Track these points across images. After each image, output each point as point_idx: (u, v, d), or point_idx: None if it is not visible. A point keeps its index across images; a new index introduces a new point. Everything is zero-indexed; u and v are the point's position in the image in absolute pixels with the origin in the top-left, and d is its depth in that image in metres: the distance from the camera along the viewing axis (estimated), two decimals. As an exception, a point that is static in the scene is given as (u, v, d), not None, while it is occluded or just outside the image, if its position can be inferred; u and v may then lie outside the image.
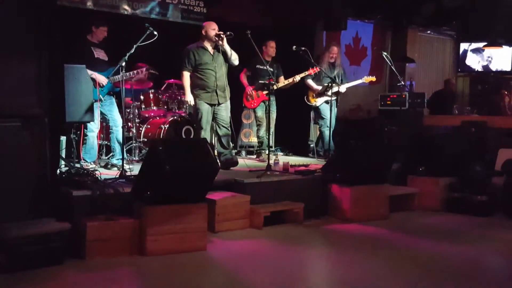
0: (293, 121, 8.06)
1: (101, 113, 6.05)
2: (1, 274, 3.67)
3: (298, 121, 8.21)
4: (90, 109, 5.35)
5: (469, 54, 11.37)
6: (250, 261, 4.29)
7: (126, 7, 7.31)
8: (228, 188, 5.33)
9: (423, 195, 6.38)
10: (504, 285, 3.91)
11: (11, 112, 4.21)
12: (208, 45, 6.18)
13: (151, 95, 7.11)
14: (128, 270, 4.02)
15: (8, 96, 4.22)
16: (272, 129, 7.34)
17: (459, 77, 11.99)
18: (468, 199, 6.15)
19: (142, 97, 7.11)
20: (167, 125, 6.76)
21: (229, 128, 6.31)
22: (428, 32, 11.37)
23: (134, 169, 5.55)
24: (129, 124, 6.78)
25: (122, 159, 5.34)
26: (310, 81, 7.56)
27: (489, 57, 11.21)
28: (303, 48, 7.26)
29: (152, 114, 7.12)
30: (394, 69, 7.61)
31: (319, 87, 7.60)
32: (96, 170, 5.27)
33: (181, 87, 7.55)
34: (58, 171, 4.89)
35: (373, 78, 7.81)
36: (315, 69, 7.34)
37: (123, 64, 5.37)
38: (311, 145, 8.11)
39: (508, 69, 11.12)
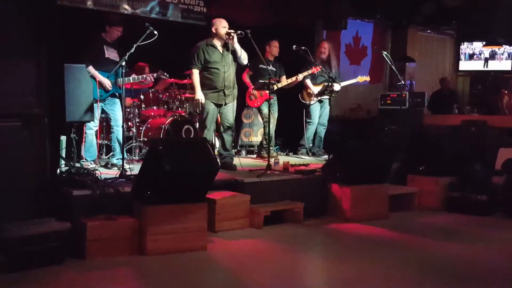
0: (292, 120, 8.04)
1: (104, 111, 6.03)
2: (1, 274, 3.67)
3: (297, 120, 8.18)
4: (90, 109, 5.35)
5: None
6: (250, 260, 4.29)
7: (126, 6, 7.30)
8: (228, 188, 5.33)
9: (423, 195, 6.38)
10: (504, 284, 3.91)
11: (11, 112, 4.21)
12: (217, 43, 6.04)
13: (151, 95, 7.11)
14: (128, 270, 4.02)
15: (8, 96, 4.22)
16: (273, 129, 7.33)
17: (459, 76, 11.99)
18: (468, 198, 6.15)
19: (142, 97, 7.12)
20: (167, 125, 6.76)
21: (234, 129, 6.26)
22: (428, 31, 11.38)
23: (134, 168, 5.56)
24: (129, 123, 6.78)
25: (122, 159, 5.34)
26: (308, 81, 7.56)
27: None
28: (303, 48, 7.27)
29: (152, 113, 7.12)
30: (394, 69, 7.62)
31: (316, 88, 7.58)
32: (97, 169, 5.27)
33: (181, 87, 7.58)
34: (58, 170, 4.89)
35: (367, 78, 7.79)
36: (318, 67, 7.35)
37: (123, 63, 5.37)
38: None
39: (508, 68, 11.12)
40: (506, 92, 10.16)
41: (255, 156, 7.78)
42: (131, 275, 3.96)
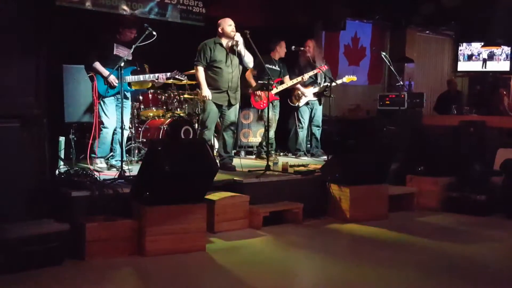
0: (282, 122, 8.01)
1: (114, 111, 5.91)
2: (1, 274, 3.67)
3: (288, 122, 8.17)
4: (89, 110, 5.34)
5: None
6: (249, 261, 4.28)
7: (125, 7, 7.31)
8: (228, 188, 5.33)
9: (422, 195, 6.39)
10: (503, 284, 3.92)
11: (10, 113, 4.20)
12: (224, 43, 6.02)
13: (150, 96, 7.10)
14: (127, 270, 4.02)
15: (7, 96, 4.21)
16: (274, 130, 7.34)
17: (458, 77, 12.01)
18: (467, 198, 6.15)
19: (141, 98, 7.10)
20: (166, 126, 6.76)
21: (235, 131, 6.24)
22: (427, 32, 11.40)
23: (133, 169, 5.55)
24: (128, 124, 6.77)
25: (122, 159, 5.31)
26: (299, 84, 7.55)
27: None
28: (302, 48, 7.29)
29: (151, 114, 7.11)
30: (393, 69, 7.63)
31: (306, 90, 7.56)
32: (101, 170, 5.22)
33: (181, 87, 7.57)
34: (57, 171, 4.89)
35: (354, 78, 7.75)
36: (323, 67, 7.36)
37: (122, 64, 5.35)
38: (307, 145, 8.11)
39: (507, 68, 11.14)
40: (505, 93, 10.18)
41: (254, 157, 7.78)
42: (130, 276, 3.96)
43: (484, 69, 11.39)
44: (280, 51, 7.39)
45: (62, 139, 5.60)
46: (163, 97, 7.25)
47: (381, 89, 10.55)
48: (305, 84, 7.54)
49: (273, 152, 7.31)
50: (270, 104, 7.24)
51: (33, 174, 4.32)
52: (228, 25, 5.95)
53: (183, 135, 6.76)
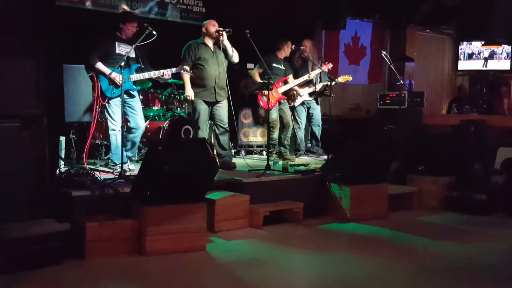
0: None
1: (125, 113, 5.79)
2: (1, 274, 3.67)
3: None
4: (89, 109, 5.32)
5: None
6: (249, 260, 4.29)
7: (125, 7, 7.30)
8: (228, 188, 5.33)
9: (423, 194, 6.38)
10: (504, 283, 3.91)
11: (10, 112, 4.21)
12: (209, 42, 6.12)
13: (150, 95, 7.09)
14: (128, 270, 4.02)
15: (7, 96, 4.22)
16: (291, 128, 7.33)
17: (458, 76, 12.00)
18: (468, 197, 6.15)
19: (141, 97, 7.09)
20: (166, 125, 6.76)
21: (228, 128, 6.28)
22: (427, 31, 11.38)
23: (134, 169, 5.56)
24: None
25: (122, 160, 5.30)
26: (295, 84, 7.54)
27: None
28: (302, 48, 7.28)
29: (151, 114, 7.11)
30: (393, 68, 7.62)
31: (301, 90, 7.55)
32: (126, 171, 5.20)
33: (181, 87, 7.57)
34: (57, 171, 4.89)
35: (349, 78, 7.75)
36: (327, 64, 7.37)
37: (122, 64, 5.34)
38: (308, 145, 8.11)
39: (507, 67, 11.12)
40: (505, 92, 10.19)
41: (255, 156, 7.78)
42: (130, 276, 3.95)
43: (485, 68, 11.36)
44: (287, 50, 7.40)
45: (62, 138, 5.60)
46: (163, 96, 7.25)
47: (381, 88, 10.54)
48: (300, 84, 7.54)
49: (287, 152, 7.33)
50: (278, 104, 7.25)
51: (33, 173, 4.32)
52: (211, 25, 6.08)
53: (183, 135, 6.76)
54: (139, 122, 5.83)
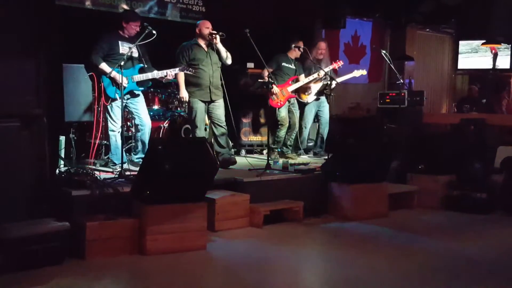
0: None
1: (130, 112, 5.88)
2: (1, 274, 3.67)
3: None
4: (89, 109, 5.32)
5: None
6: (250, 260, 4.28)
7: (124, 6, 7.29)
8: (228, 187, 5.33)
9: (423, 193, 6.38)
10: (504, 282, 3.91)
11: (10, 112, 4.21)
12: (202, 43, 6.16)
13: (150, 95, 7.09)
14: (128, 269, 4.02)
15: (7, 96, 4.21)
16: (297, 129, 7.33)
17: (458, 75, 11.99)
18: (468, 196, 6.15)
19: (141, 97, 7.10)
20: (167, 124, 6.76)
21: (225, 127, 6.28)
22: (427, 30, 11.37)
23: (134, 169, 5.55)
24: (128, 123, 6.77)
25: (122, 160, 5.28)
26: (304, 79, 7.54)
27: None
28: (302, 47, 7.27)
29: (152, 113, 7.10)
30: (393, 67, 7.61)
31: (314, 85, 7.55)
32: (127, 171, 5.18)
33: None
34: (57, 171, 4.89)
35: (364, 72, 7.72)
36: (338, 62, 7.37)
37: (122, 63, 5.33)
38: (309, 144, 8.09)
39: (507, 66, 11.10)
40: (506, 97, 10.21)
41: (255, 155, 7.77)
42: (130, 275, 3.96)
43: (492, 66, 11.29)
44: (297, 50, 7.39)
45: (62, 138, 5.60)
46: (163, 96, 7.25)
47: (381, 87, 10.54)
48: (311, 82, 7.54)
49: (290, 151, 7.32)
50: (287, 102, 7.24)
51: (33, 173, 4.32)
52: (205, 27, 6.11)
53: (183, 134, 6.76)
54: (144, 119, 5.83)
